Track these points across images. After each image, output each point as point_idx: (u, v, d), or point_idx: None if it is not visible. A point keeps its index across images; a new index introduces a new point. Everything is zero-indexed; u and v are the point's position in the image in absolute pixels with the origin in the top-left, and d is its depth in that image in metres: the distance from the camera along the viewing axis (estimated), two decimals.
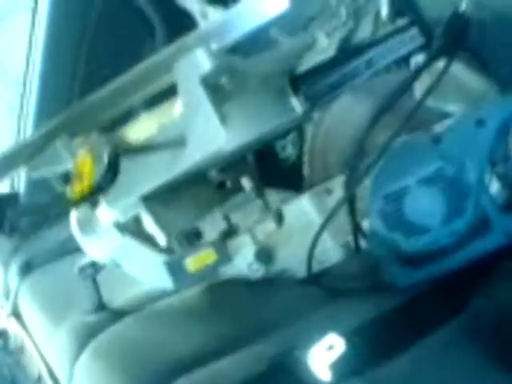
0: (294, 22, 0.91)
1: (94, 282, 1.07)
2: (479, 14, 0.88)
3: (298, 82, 0.92)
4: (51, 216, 0.97)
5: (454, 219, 0.77)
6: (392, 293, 0.85)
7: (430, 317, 0.81)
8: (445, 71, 0.86)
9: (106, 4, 1.48)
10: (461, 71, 0.90)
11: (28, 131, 1.38)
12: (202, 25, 0.85)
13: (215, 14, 0.85)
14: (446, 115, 0.91)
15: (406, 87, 0.88)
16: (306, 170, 1.05)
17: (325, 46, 0.95)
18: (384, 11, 0.93)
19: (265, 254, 0.93)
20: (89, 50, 1.48)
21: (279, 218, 0.95)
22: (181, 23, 1.54)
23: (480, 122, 0.80)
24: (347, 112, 1.01)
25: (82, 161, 0.82)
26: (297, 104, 0.91)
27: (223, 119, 0.78)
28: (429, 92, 0.87)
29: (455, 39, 0.87)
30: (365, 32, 1.01)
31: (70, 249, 1.17)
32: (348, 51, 0.91)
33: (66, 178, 0.85)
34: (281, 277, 0.95)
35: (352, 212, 0.87)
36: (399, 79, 0.90)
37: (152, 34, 1.58)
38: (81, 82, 1.40)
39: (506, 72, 0.91)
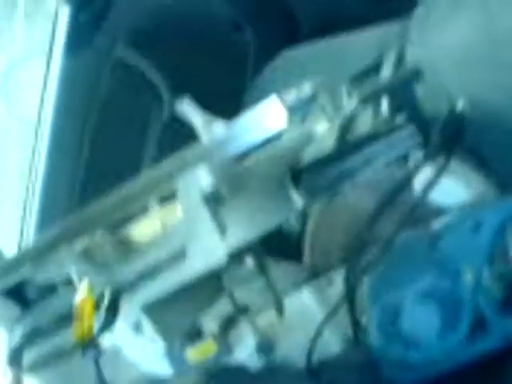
0: None
1: (97, 363, 1.07)
2: (476, 113, 0.90)
3: (298, 174, 0.94)
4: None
5: (448, 334, 0.78)
6: None
7: None
8: (443, 169, 0.87)
9: (113, 75, 1.51)
10: (458, 168, 0.92)
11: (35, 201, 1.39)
12: (204, 138, 0.87)
13: (218, 128, 0.87)
14: (444, 210, 0.93)
15: (404, 184, 0.89)
16: (306, 257, 1.06)
17: (325, 133, 0.97)
18: (384, 105, 0.95)
19: (266, 346, 0.94)
20: (97, 121, 1.50)
21: (280, 309, 0.96)
22: (188, 89, 1.59)
23: (477, 227, 0.81)
24: (348, 204, 1.02)
25: (82, 303, 0.83)
26: (297, 197, 0.92)
27: (223, 232, 0.80)
28: (428, 189, 0.88)
29: (452, 138, 0.88)
30: (365, 121, 1.03)
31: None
32: (347, 146, 0.93)
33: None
34: (281, 366, 0.96)
35: (351, 309, 0.88)
36: (399, 174, 0.91)
37: (159, 101, 1.61)
38: (87, 160, 1.43)
39: (504, 171, 0.93)
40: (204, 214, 0.81)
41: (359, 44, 1.24)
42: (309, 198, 0.94)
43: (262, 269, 1.02)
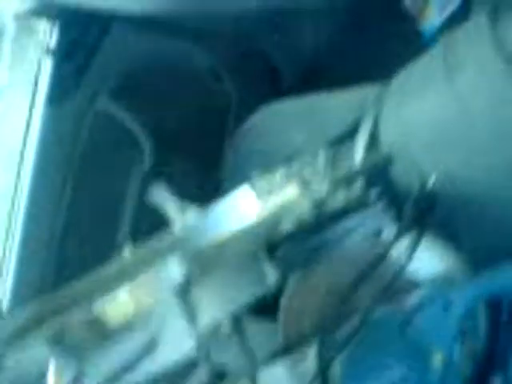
0: None
1: None
2: (447, 190, 0.91)
3: (273, 247, 0.94)
4: None
5: None
6: None
7: None
8: (415, 245, 0.89)
9: (94, 126, 1.51)
10: (429, 244, 0.93)
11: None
12: (177, 225, 0.87)
13: (191, 215, 0.87)
14: (416, 284, 0.93)
15: (379, 259, 0.90)
16: (280, 328, 1.06)
17: (299, 200, 0.98)
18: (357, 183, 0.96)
19: None
20: (78, 170, 1.51)
21: (254, 380, 0.96)
22: (169, 140, 1.59)
23: (447, 306, 0.82)
24: (323, 277, 1.02)
25: None
26: (271, 272, 0.92)
27: (194, 319, 0.80)
28: (403, 267, 0.89)
29: (424, 214, 0.89)
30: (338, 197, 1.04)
31: None
32: (321, 220, 0.93)
33: None
34: None
35: None
36: (374, 248, 0.92)
37: (140, 152, 1.62)
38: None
39: (474, 246, 0.94)
40: (174, 304, 0.81)
41: (338, 105, 1.26)
42: (284, 271, 0.94)
43: (238, 332, 1.02)
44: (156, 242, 0.85)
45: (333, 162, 1.10)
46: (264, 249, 0.94)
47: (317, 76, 1.64)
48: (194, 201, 1.60)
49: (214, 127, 1.61)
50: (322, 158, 1.11)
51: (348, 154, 1.09)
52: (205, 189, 1.64)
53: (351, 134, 1.13)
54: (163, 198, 0.88)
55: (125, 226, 1.51)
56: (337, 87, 1.40)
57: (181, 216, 0.86)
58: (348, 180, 0.89)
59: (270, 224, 0.93)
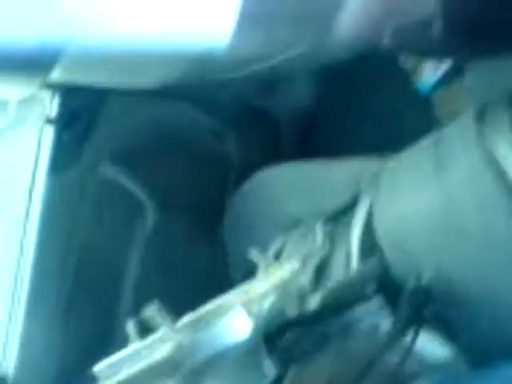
0: None
1: None
2: (441, 285, 0.92)
3: (271, 340, 0.95)
4: None
5: None
6: None
7: None
8: (412, 345, 0.89)
9: (97, 191, 1.52)
10: (429, 336, 0.93)
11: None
12: (171, 345, 0.87)
13: (185, 335, 0.88)
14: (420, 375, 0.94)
15: (380, 354, 0.91)
16: None
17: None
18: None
19: None
20: (82, 235, 1.51)
21: None
22: (170, 200, 1.60)
23: None
24: (324, 369, 1.03)
25: None
26: (270, 367, 0.93)
27: None
28: (403, 361, 0.90)
29: (419, 309, 0.90)
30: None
31: None
32: (317, 315, 0.94)
33: None
34: None
35: None
36: (373, 342, 0.93)
37: (143, 216, 1.63)
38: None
39: (469, 342, 0.94)
40: None
41: (336, 177, 1.26)
42: (284, 361, 0.95)
43: None
44: (152, 365, 0.85)
45: (330, 238, 1.12)
46: (263, 342, 0.95)
47: (316, 133, 1.65)
48: (198, 261, 1.61)
49: (216, 188, 1.62)
50: (319, 234, 1.13)
51: (345, 232, 1.10)
52: (208, 249, 1.65)
53: (348, 210, 1.14)
54: (157, 314, 0.89)
55: (127, 295, 1.51)
56: (336, 145, 1.41)
57: (174, 335, 0.87)
58: (337, 293, 0.90)
59: (268, 320, 0.94)
